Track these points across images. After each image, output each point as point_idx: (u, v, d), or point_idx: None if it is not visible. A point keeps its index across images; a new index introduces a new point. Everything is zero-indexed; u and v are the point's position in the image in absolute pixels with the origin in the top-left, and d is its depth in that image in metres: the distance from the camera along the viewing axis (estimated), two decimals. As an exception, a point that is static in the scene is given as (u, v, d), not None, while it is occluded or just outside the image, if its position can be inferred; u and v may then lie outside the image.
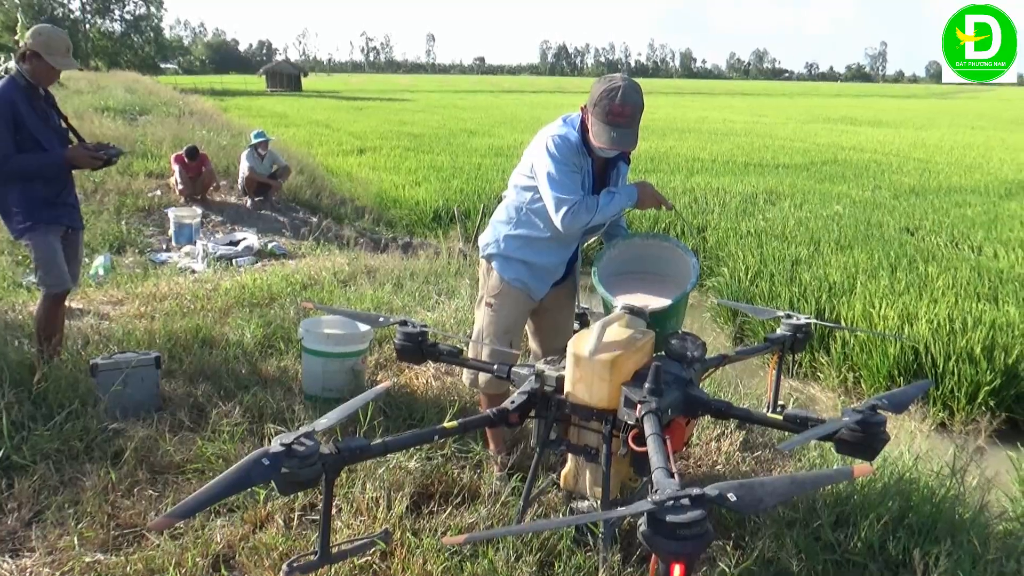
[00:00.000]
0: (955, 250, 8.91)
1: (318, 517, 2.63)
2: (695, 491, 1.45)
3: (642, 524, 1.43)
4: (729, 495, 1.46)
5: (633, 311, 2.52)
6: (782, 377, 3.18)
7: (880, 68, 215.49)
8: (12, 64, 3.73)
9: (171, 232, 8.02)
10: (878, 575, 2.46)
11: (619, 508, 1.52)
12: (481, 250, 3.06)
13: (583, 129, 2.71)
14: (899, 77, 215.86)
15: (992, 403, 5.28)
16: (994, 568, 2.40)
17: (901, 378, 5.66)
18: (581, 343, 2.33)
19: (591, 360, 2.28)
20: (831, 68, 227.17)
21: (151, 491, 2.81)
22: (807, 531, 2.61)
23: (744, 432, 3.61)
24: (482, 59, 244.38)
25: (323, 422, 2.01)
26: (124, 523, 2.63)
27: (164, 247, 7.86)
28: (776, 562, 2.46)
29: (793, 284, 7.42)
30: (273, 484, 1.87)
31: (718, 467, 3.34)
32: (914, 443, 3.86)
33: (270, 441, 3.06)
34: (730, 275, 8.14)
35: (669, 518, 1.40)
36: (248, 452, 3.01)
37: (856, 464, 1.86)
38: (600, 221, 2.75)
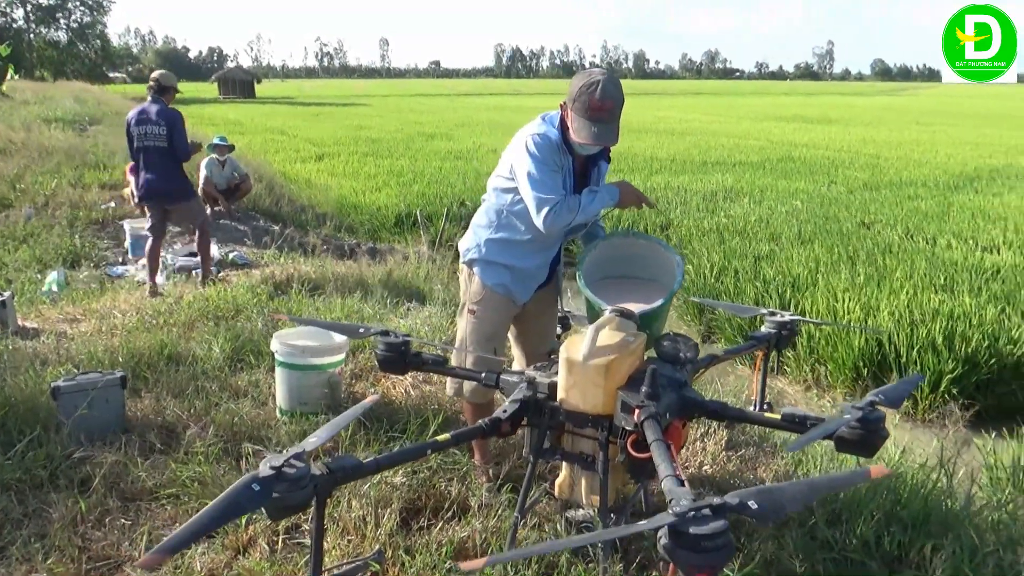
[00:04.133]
0: (910, 242, 9.12)
1: (304, 539, 2.53)
2: (716, 500, 1.40)
3: (663, 537, 1.38)
4: (750, 503, 1.41)
5: (623, 314, 2.47)
6: (761, 374, 3.17)
7: (828, 67, 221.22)
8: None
9: (127, 244, 7.74)
10: (877, 571, 2.45)
11: (639, 523, 1.46)
12: (462, 256, 2.99)
13: (563, 127, 2.66)
14: (846, 75, 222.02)
15: (955, 391, 5.38)
16: (992, 559, 2.41)
17: (866, 369, 5.74)
18: (574, 348, 2.27)
19: (585, 365, 2.22)
20: (780, 67, 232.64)
21: (123, 520, 2.66)
22: (803, 530, 2.59)
23: (728, 431, 3.60)
24: (437, 63, 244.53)
25: (312, 441, 1.91)
26: (96, 555, 2.48)
27: (120, 260, 7.59)
28: (777, 563, 2.44)
29: (757, 280, 7.49)
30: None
31: (705, 467, 3.32)
32: (892, 436, 3.89)
33: (247, 460, 2.93)
34: (696, 272, 8.19)
35: (692, 530, 1.35)
36: (224, 473, 2.90)
37: (871, 465, 1.83)
38: (582, 220, 2.71)
